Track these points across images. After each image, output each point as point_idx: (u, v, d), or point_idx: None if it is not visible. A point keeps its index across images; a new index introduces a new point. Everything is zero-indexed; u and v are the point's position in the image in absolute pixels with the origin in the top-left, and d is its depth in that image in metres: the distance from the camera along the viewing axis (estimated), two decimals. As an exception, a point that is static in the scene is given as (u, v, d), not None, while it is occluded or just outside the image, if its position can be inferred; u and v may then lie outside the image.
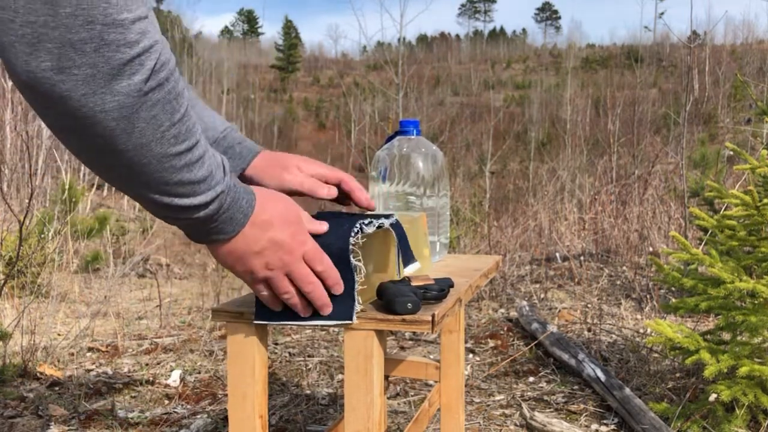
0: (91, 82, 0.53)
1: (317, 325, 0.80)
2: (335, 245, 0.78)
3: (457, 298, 0.94)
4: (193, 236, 0.72)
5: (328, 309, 0.79)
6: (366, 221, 0.82)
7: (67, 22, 0.51)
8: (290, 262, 0.74)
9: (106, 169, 0.61)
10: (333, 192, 0.98)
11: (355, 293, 0.79)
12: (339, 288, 0.78)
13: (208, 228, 0.69)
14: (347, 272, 0.78)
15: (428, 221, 1.21)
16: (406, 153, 1.23)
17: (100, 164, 0.61)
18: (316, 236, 0.79)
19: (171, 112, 0.59)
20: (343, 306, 0.79)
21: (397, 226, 0.90)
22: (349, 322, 0.79)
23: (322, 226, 0.80)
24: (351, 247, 0.78)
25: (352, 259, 0.78)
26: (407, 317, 0.80)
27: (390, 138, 1.28)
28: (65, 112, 0.54)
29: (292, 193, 0.96)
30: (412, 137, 1.25)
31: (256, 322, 0.82)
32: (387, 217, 0.88)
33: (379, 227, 0.84)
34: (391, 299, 0.80)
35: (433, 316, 0.80)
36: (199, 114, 0.96)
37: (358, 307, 0.80)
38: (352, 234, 0.78)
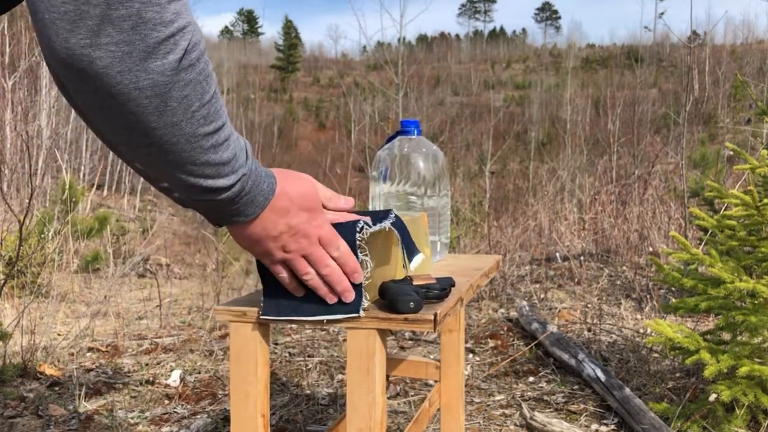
0: (127, 59, 0.54)
1: (323, 320, 0.80)
2: (346, 239, 0.78)
3: (458, 297, 0.94)
4: (213, 218, 0.73)
5: (351, 294, 0.79)
6: (369, 220, 0.82)
7: None
8: (306, 245, 0.76)
9: (134, 147, 0.62)
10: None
11: (362, 288, 0.79)
12: (358, 276, 0.79)
13: (229, 210, 0.70)
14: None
15: (429, 221, 1.21)
16: (407, 153, 1.23)
17: (130, 143, 0.61)
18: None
19: (201, 92, 0.60)
20: (354, 297, 0.79)
21: (397, 222, 0.90)
22: (356, 315, 0.79)
23: (347, 204, 0.81)
24: (358, 242, 0.78)
25: (359, 253, 0.78)
26: (409, 316, 0.80)
27: (391, 138, 1.28)
28: (101, 89, 0.55)
29: None
30: (413, 137, 1.26)
31: (262, 317, 0.82)
32: (387, 215, 0.88)
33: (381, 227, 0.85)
34: (393, 298, 0.80)
35: (435, 315, 0.80)
36: None
37: (365, 302, 0.80)
38: (357, 229, 0.78)
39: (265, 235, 0.73)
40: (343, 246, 0.78)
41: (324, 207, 0.79)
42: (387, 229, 0.86)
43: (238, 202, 0.69)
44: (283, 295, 0.81)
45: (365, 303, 0.80)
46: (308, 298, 0.80)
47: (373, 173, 1.25)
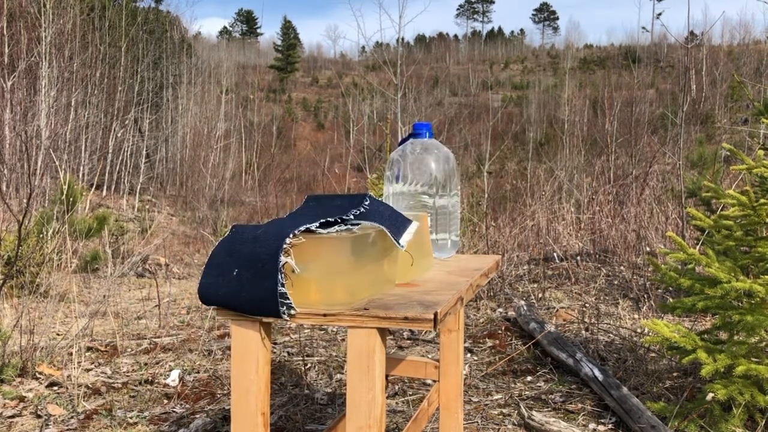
0: None
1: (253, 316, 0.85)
2: (273, 245, 0.82)
3: (458, 296, 0.94)
4: None
5: None
6: (330, 220, 0.85)
7: None
8: None
9: None
10: None
11: (280, 290, 0.81)
12: None
13: None
14: (273, 270, 0.81)
15: (440, 219, 1.25)
16: (420, 155, 1.27)
17: None
18: (260, 226, 0.82)
19: None
20: (272, 303, 0.81)
21: (371, 213, 0.92)
22: (279, 318, 0.82)
23: None
24: (285, 246, 0.81)
25: (282, 256, 0.80)
26: (410, 315, 0.80)
27: (404, 140, 1.33)
28: None
29: None
30: (425, 140, 1.30)
31: (201, 300, 0.88)
32: (356, 216, 0.90)
33: (347, 228, 0.87)
34: None
35: (435, 314, 0.80)
36: None
37: (284, 308, 0.82)
38: (291, 236, 0.81)
39: None
40: None
41: None
42: (378, 229, 0.87)
43: None
44: (224, 283, 0.84)
45: (284, 309, 0.82)
46: (244, 291, 0.83)
47: (387, 173, 1.29)
